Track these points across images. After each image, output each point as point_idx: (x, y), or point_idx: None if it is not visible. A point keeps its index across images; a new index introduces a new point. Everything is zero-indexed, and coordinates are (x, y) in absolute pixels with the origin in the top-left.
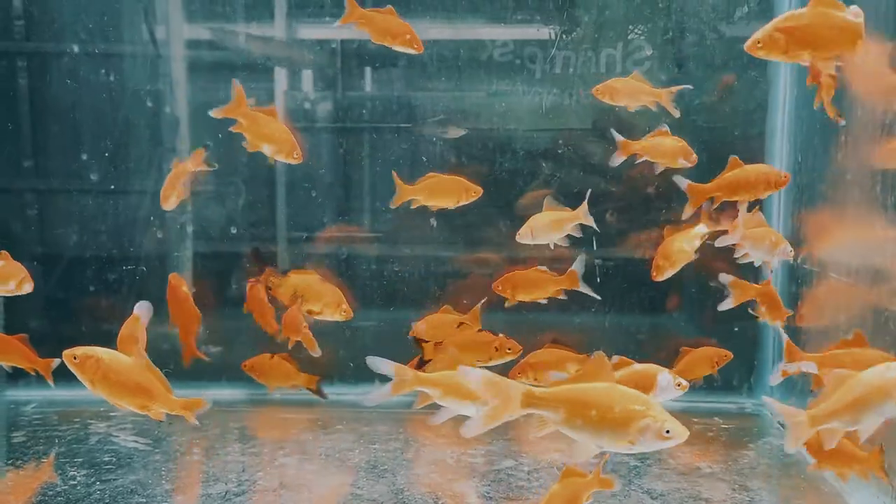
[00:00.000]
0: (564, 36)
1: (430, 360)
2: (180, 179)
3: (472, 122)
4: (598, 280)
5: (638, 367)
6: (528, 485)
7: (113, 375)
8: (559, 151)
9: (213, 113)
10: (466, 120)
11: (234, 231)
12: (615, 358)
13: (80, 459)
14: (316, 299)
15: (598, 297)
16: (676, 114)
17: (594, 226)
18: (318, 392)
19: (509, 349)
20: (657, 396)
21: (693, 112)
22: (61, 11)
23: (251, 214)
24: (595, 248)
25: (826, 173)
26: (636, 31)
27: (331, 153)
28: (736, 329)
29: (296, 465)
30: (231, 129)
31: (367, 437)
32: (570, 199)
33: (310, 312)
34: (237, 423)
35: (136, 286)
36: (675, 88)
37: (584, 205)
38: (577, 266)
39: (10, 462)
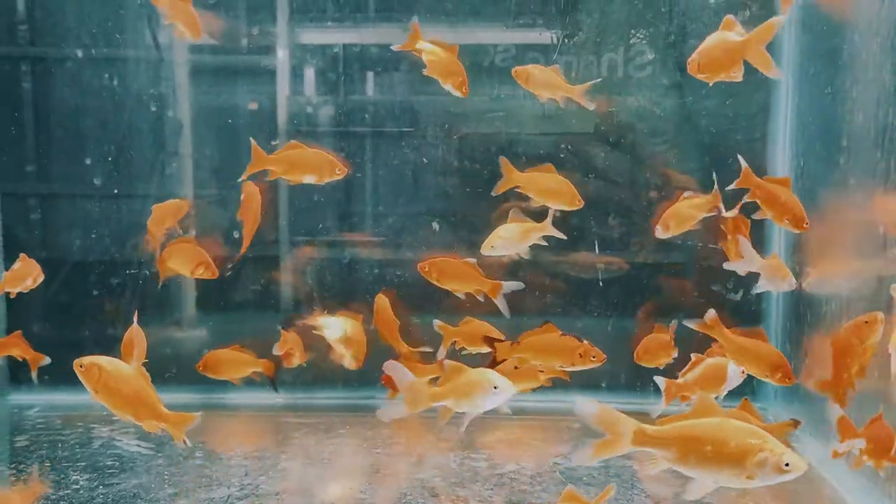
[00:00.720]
0: (566, 41)
1: (503, 361)
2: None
3: (474, 127)
4: (601, 285)
5: (709, 360)
6: (530, 489)
7: (113, 384)
8: (561, 156)
9: (243, 178)
10: (468, 124)
11: (236, 235)
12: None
13: (82, 464)
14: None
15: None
16: (591, 106)
17: (561, 235)
18: (272, 381)
19: (594, 357)
20: (726, 387)
21: (694, 116)
22: (65, 16)
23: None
24: (597, 252)
25: (828, 178)
26: (638, 35)
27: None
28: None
29: (298, 469)
30: (268, 178)
31: (370, 442)
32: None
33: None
34: (239, 428)
35: (138, 290)
36: (588, 84)
37: (549, 218)
38: (510, 285)
39: (13, 466)
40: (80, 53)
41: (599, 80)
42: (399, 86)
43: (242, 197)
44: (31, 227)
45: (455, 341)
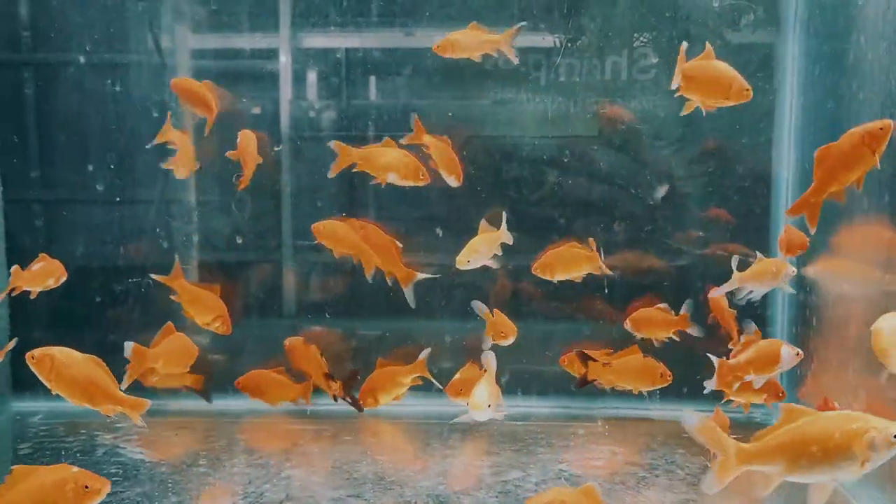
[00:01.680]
0: (569, 44)
1: (593, 381)
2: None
3: (477, 130)
4: (606, 290)
5: (762, 343)
6: (536, 497)
7: (66, 372)
8: (565, 160)
9: (332, 174)
10: (471, 127)
11: (239, 241)
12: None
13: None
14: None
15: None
16: (515, 60)
17: (510, 242)
18: (204, 394)
19: (662, 375)
20: (781, 368)
21: (699, 120)
22: (68, 23)
23: (257, 224)
24: (602, 257)
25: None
26: (641, 38)
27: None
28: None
29: (302, 477)
30: (354, 170)
31: (374, 449)
32: (574, 208)
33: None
34: (243, 435)
35: (141, 297)
36: (513, 30)
37: (504, 225)
38: (410, 290)
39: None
40: (82, 60)
41: (524, 23)
42: (402, 90)
43: (239, 140)
44: (35, 233)
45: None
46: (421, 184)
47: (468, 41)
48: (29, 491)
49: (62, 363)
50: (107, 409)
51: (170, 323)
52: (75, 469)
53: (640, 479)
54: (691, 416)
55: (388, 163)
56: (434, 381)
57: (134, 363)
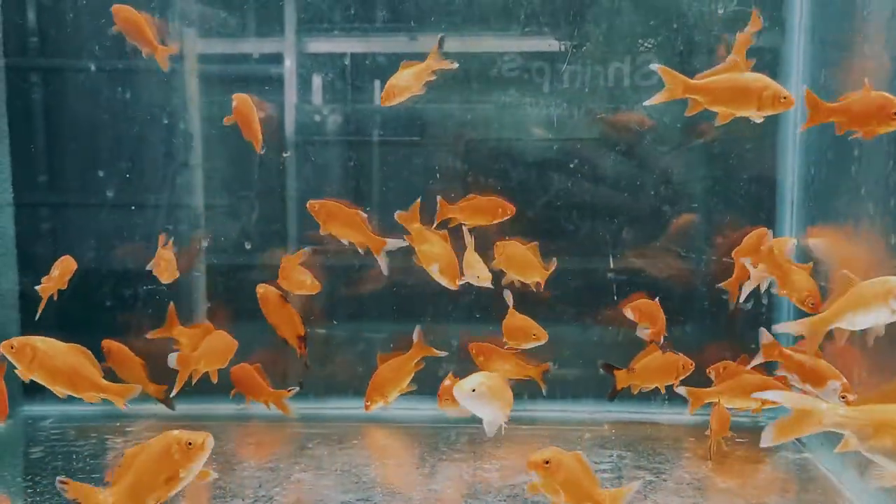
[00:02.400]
0: (575, 50)
1: (622, 389)
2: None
3: (482, 134)
4: (615, 297)
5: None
6: (544, 500)
7: (48, 361)
8: (570, 165)
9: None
10: (476, 132)
11: (248, 246)
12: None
13: (97, 475)
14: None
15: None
16: (454, 65)
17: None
18: (167, 402)
19: (684, 366)
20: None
21: (700, 123)
22: (76, 28)
23: (264, 229)
24: (611, 262)
25: (840, 187)
26: (646, 44)
27: (341, 166)
28: (753, 346)
29: (311, 480)
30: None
31: (383, 453)
32: (577, 211)
33: None
34: (252, 439)
35: (151, 301)
36: (435, 46)
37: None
38: (393, 242)
39: (28, 478)
40: (91, 65)
41: (455, 66)
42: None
43: (234, 104)
44: (44, 238)
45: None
46: (451, 287)
47: (406, 80)
48: (143, 466)
49: (45, 353)
50: (90, 397)
51: (208, 323)
52: (175, 432)
53: (648, 483)
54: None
55: (438, 255)
56: (437, 352)
57: (182, 372)
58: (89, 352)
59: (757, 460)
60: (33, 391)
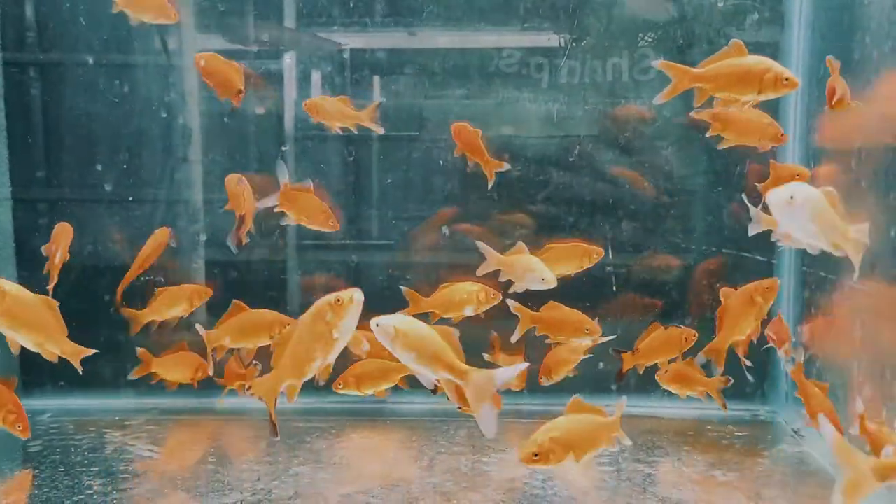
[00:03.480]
0: (574, 44)
1: (627, 372)
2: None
3: (481, 130)
4: (614, 289)
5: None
6: (543, 493)
7: (17, 309)
8: (570, 160)
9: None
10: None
11: (247, 240)
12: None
13: (96, 468)
14: None
15: None
16: (381, 131)
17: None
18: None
19: (687, 338)
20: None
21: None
22: (74, 22)
23: (263, 223)
24: (610, 255)
25: (840, 181)
26: (646, 38)
27: (340, 161)
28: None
29: (310, 473)
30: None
31: (381, 446)
32: (576, 205)
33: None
34: (250, 432)
35: (149, 296)
36: (373, 107)
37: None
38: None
39: (26, 471)
40: (89, 60)
41: (382, 101)
42: (406, 90)
43: (229, 192)
44: (43, 233)
45: (535, 327)
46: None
47: (333, 109)
48: (298, 337)
49: (15, 299)
50: (48, 354)
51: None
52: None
53: (647, 477)
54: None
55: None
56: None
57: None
58: (57, 307)
59: (756, 454)
60: (32, 385)
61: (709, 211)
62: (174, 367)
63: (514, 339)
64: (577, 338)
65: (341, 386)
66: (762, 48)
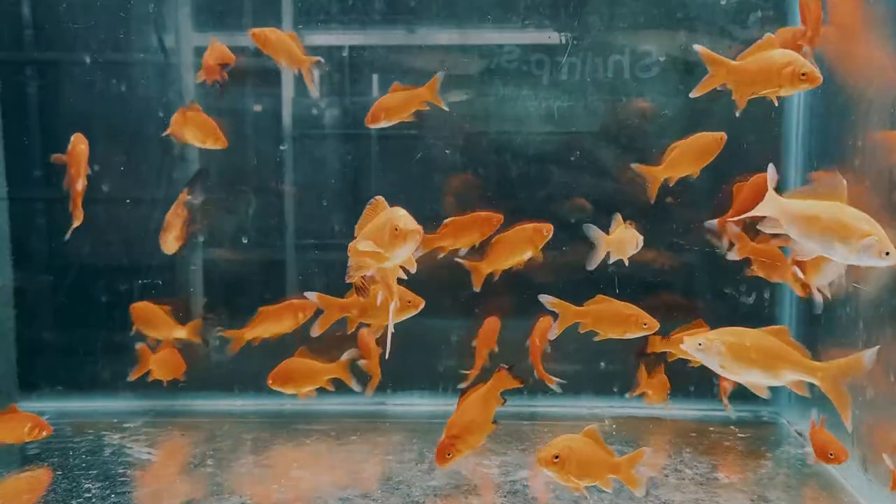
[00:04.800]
0: (575, 41)
1: (652, 353)
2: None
3: (481, 127)
4: (617, 290)
5: None
6: (544, 497)
7: None
8: (570, 158)
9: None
10: (475, 124)
11: (244, 240)
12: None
13: (94, 471)
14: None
15: None
16: (315, 92)
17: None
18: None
19: (645, 324)
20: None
21: (706, 116)
22: (71, 21)
23: (261, 223)
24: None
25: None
26: (647, 36)
27: (339, 160)
28: None
29: (310, 477)
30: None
31: (382, 449)
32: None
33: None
34: (250, 435)
35: (147, 296)
36: (313, 59)
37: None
38: None
39: (24, 474)
40: (86, 58)
41: (320, 59)
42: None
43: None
44: (39, 232)
45: (581, 323)
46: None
47: (280, 42)
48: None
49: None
50: None
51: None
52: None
53: (649, 479)
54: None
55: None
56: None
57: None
58: None
59: (759, 455)
60: (30, 388)
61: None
62: (163, 366)
63: (552, 336)
64: (633, 333)
65: (270, 382)
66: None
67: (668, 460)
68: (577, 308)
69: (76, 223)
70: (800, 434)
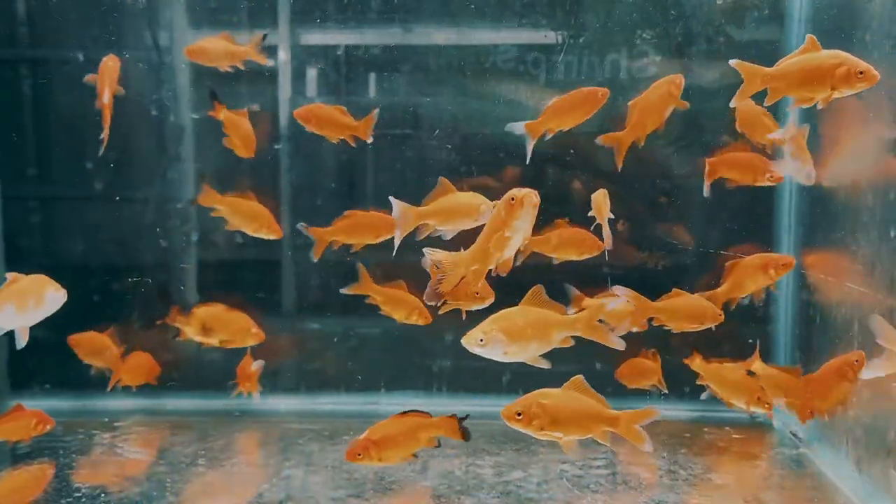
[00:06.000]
0: (571, 41)
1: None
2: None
3: (477, 128)
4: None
5: None
6: (537, 497)
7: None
8: (567, 158)
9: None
10: (470, 125)
11: (239, 240)
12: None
13: (84, 471)
14: (223, 329)
15: None
16: (268, 62)
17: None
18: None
19: (719, 314)
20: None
21: (701, 119)
22: (65, 19)
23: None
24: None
25: (840, 185)
26: (644, 35)
27: (335, 160)
28: (750, 340)
29: (302, 477)
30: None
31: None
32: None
33: (221, 343)
34: (242, 434)
35: (139, 295)
36: (257, 39)
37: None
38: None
39: (14, 472)
40: (81, 57)
41: (266, 32)
42: (401, 88)
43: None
44: (33, 231)
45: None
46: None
47: (218, 49)
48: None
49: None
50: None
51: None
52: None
53: (643, 480)
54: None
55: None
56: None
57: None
58: None
59: (753, 456)
60: (20, 387)
61: (704, 211)
62: (133, 370)
63: (620, 333)
64: (706, 326)
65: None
66: (761, 46)
67: (663, 462)
68: (654, 303)
69: (105, 131)
70: (794, 435)
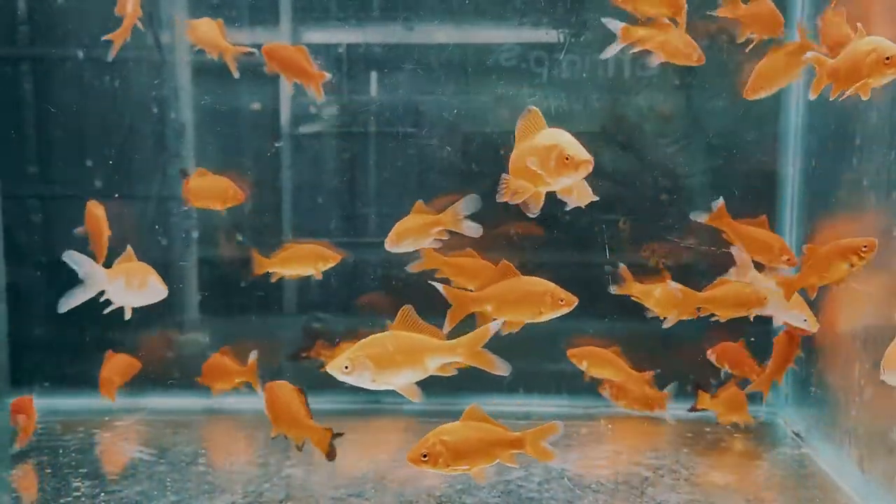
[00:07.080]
0: (573, 39)
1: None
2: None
3: (479, 126)
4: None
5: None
6: (538, 496)
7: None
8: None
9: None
10: (473, 123)
11: (240, 238)
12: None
13: (84, 470)
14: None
15: None
16: (236, 74)
17: (465, 231)
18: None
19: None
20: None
21: (703, 116)
22: (66, 16)
23: (257, 221)
24: (608, 253)
25: (841, 179)
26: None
27: (336, 159)
28: (752, 338)
29: (302, 475)
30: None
31: (375, 448)
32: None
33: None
34: (242, 433)
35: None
36: (242, 49)
37: (456, 207)
38: None
39: (13, 472)
40: (80, 54)
41: (254, 51)
42: (403, 86)
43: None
44: (32, 229)
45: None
46: None
47: (209, 33)
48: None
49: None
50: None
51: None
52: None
53: (644, 480)
54: None
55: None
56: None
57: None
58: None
59: (755, 456)
60: (20, 384)
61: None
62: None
63: (669, 323)
64: (754, 311)
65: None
66: (763, 43)
67: (664, 461)
68: (701, 294)
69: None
70: (797, 435)
